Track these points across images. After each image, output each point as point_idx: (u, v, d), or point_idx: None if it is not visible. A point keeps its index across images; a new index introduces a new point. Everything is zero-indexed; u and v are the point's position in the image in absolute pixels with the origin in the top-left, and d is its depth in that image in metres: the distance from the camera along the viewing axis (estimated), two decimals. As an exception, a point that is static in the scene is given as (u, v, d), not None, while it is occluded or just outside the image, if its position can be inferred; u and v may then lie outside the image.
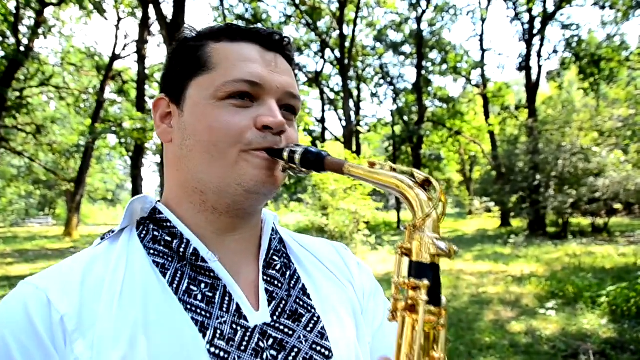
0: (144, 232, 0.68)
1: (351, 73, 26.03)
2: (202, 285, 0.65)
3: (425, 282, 0.51)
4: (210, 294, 0.64)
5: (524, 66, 20.93)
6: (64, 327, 0.56)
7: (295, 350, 0.66)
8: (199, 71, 0.68)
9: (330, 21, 23.10)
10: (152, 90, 24.74)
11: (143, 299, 0.61)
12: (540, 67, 20.86)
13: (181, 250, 0.65)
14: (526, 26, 21.15)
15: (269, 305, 0.68)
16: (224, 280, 0.66)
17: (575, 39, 21.13)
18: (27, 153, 21.96)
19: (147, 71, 20.69)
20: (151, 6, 15.57)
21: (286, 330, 0.67)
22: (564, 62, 21.92)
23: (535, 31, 20.87)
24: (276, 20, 24.45)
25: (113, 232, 0.69)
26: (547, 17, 20.37)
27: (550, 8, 20.47)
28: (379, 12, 25.60)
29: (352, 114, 25.59)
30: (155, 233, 0.68)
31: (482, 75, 25.05)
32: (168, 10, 13.11)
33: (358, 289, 0.80)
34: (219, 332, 0.62)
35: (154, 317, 0.60)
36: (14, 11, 16.51)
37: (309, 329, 0.68)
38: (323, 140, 25.89)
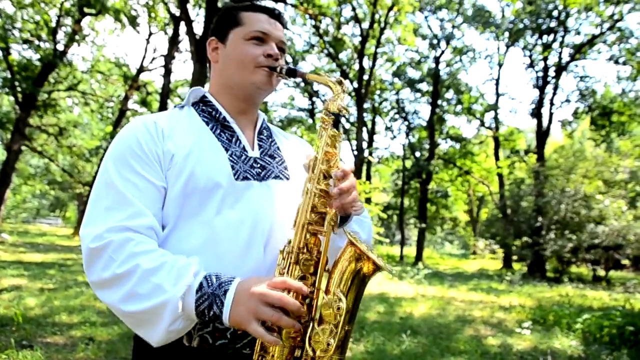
0: (197, 108, 1.27)
1: (367, 105, 26.68)
2: (227, 133, 1.22)
3: (332, 117, 1.13)
4: (231, 138, 1.22)
5: (536, 113, 21.42)
6: (163, 133, 1.15)
7: (271, 170, 1.22)
8: (236, 25, 1.26)
9: (352, 53, 23.89)
10: (173, 104, 25.51)
11: (198, 133, 1.19)
12: (551, 114, 21.33)
13: (217, 116, 1.24)
14: (540, 74, 21.72)
15: (259, 149, 1.25)
16: (237, 133, 1.24)
17: (589, 90, 21.60)
18: (46, 153, 22.64)
19: (171, 85, 21.50)
20: (182, 24, 16.45)
21: (267, 161, 1.24)
22: (577, 112, 22.36)
23: (549, 79, 21.44)
24: (300, 48, 25.33)
25: (181, 105, 1.28)
26: (561, 67, 20.94)
27: (566, 58, 21.08)
28: (399, 49, 26.19)
29: (365, 144, 26.15)
30: (204, 107, 1.26)
31: (496, 118, 25.53)
32: (198, 29, 13.86)
33: (304, 154, 1.32)
34: (233, 153, 1.18)
35: (204, 139, 1.18)
36: (55, 18, 17.49)
37: (278, 163, 1.26)
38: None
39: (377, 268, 0.99)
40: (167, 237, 1.09)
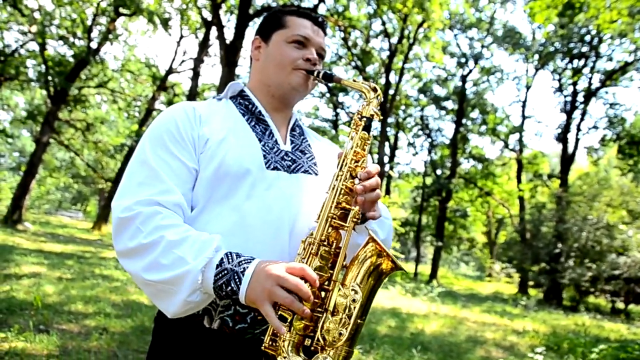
0: (234, 101, 1.34)
1: (391, 120, 26.64)
2: (261, 126, 1.28)
3: (365, 120, 1.18)
4: (264, 130, 1.28)
5: (562, 137, 21.12)
6: (201, 119, 1.21)
7: (301, 165, 1.26)
8: (281, 27, 1.33)
9: (379, 67, 23.95)
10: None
11: (234, 122, 1.26)
12: (577, 140, 21.00)
13: (253, 109, 1.31)
14: (569, 98, 21.43)
15: (291, 144, 1.31)
16: (271, 127, 1.30)
17: (618, 118, 21.20)
18: (73, 147, 23.11)
19: (198, 88, 21.81)
20: (214, 28, 16.73)
21: (297, 155, 1.29)
22: (604, 139, 21.95)
23: (577, 104, 21.13)
24: (327, 59, 25.48)
25: (219, 97, 1.35)
26: (591, 93, 20.63)
27: (596, 84, 20.77)
28: (426, 65, 26.18)
29: (386, 159, 26.06)
30: (241, 101, 1.33)
31: (520, 141, 25.22)
32: (229, 34, 14.06)
33: (333, 155, 1.35)
34: (266, 143, 1.24)
35: (239, 128, 1.24)
36: (91, 17, 17.98)
37: (308, 159, 1.31)
38: (353, 179, 26.18)
39: (395, 267, 1.01)
40: (196, 218, 1.13)
